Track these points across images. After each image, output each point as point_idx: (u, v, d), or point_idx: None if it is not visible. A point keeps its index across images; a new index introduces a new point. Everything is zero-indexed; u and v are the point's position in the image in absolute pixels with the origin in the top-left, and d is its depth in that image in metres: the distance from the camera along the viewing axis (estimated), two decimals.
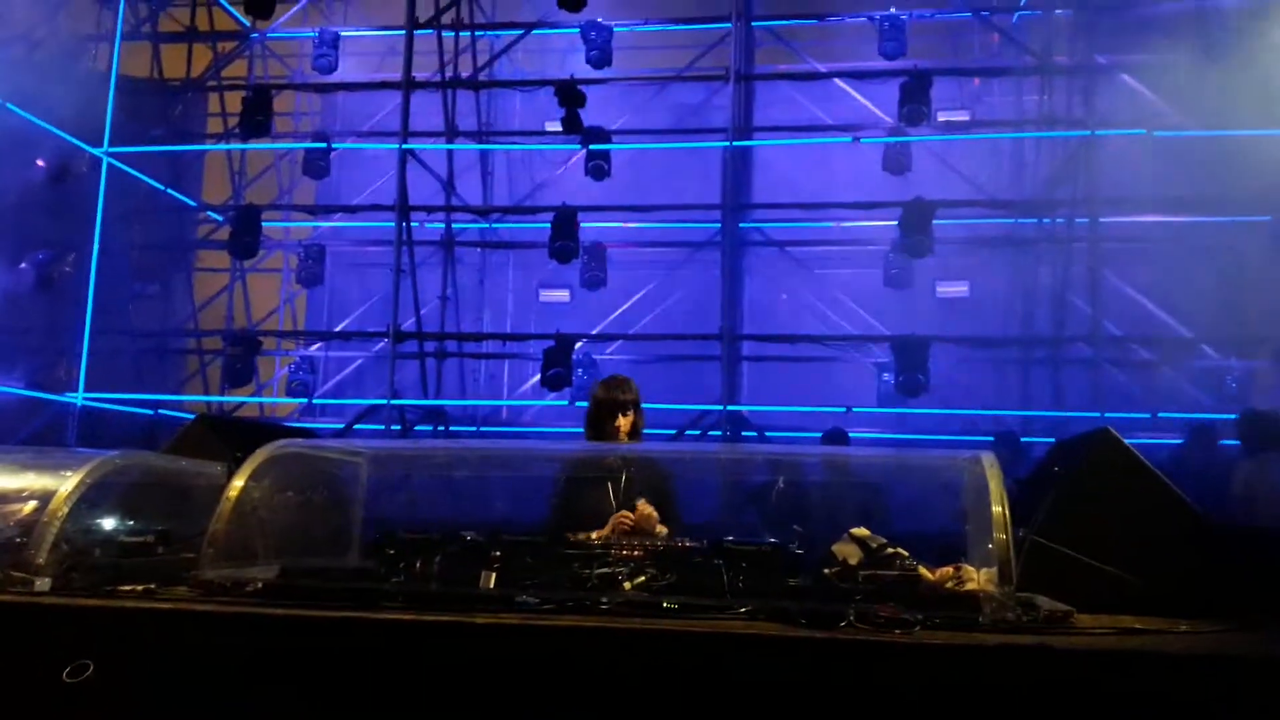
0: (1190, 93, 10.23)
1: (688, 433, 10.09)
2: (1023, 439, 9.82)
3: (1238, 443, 7.58)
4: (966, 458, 2.87)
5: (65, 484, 3.09)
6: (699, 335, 10.76)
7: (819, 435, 9.91)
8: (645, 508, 3.55)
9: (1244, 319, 9.90)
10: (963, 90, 12.43)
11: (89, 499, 3.16)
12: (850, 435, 9.87)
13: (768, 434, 10.34)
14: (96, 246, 10.73)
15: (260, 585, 2.83)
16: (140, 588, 2.92)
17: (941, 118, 11.55)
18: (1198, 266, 9.84)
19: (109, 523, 3.30)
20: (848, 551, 2.93)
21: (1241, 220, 9.95)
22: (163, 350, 12.41)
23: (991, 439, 9.29)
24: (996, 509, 2.66)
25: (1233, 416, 9.12)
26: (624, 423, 4.04)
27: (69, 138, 10.60)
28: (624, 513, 3.52)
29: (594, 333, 11.26)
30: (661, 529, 3.53)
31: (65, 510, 3.03)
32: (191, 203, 12.48)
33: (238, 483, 3.05)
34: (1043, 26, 11.49)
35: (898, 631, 2.37)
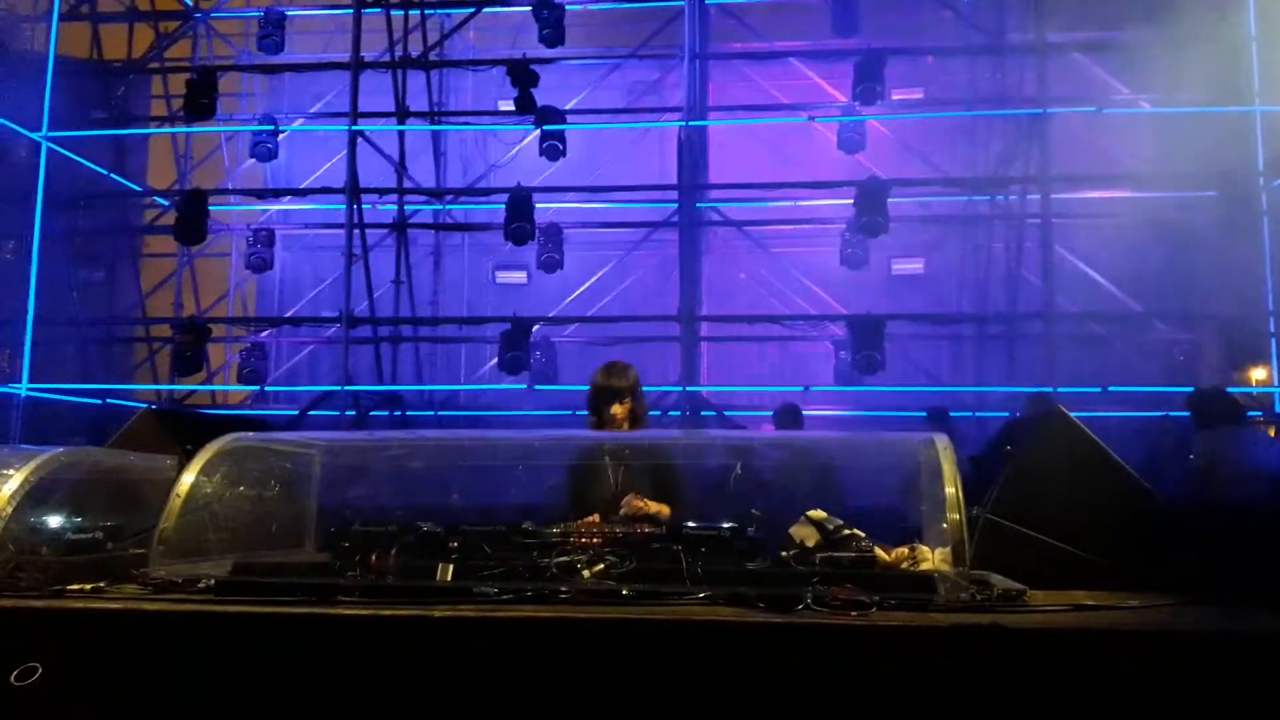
0: (1140, 70, 10.38)
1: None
2: (976, 414, 9.95)
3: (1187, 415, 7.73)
4: (920, 439, 2.90)
5: (8, 483, 3.01)
6: (657, 317, 10.76)
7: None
8: (637, 501, 3.55)
9: (1192, 293, 10.10)
10: (917, 69, 12.49)
11: (34, 497, 3.09)
12: (804, 411, 9.93)
13: (727, 414, 10.38)
14: (38, 233, 10.47)
15: (212, 582, 2.78)
16: (88, 587, 2.86)
17: (896, 96, 11.60)
18: (1148, 242, 10.00)
19: (55, 521, 3.22)
20: (805, 534, 2.94)
21: (1189, 195, 10.12)
22: (110, 339, 12.17)
23: (924, 414, 9.42)
24: (949, 490, 2.69)
25: (1185, 390, 9.34)
26: (620, 410, 4.01)
27: (6, 122, 10.31)
28: (634, 496, 3.52)
29: (551, 315, 11.21)
30: (665, 510, 3.53)
31: (9, 510, 2.95)
32: (136, 188, 12.21)
33: (188, 477, 2.99)
34: (995, 5, 11.57)
35: (854, 614, 2.38)
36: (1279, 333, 10.22)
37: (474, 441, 3.74)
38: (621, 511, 3.56)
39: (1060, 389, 9.38)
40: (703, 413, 10.37)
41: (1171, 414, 9.35)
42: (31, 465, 3.09)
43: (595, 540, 2.86)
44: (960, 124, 11.84)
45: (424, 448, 3.57)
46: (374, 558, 2.77)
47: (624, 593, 2.60)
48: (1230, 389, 9.68)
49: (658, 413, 10.18)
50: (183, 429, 3.98)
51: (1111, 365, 10.21)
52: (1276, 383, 10.17)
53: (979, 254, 11.45)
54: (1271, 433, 10.12)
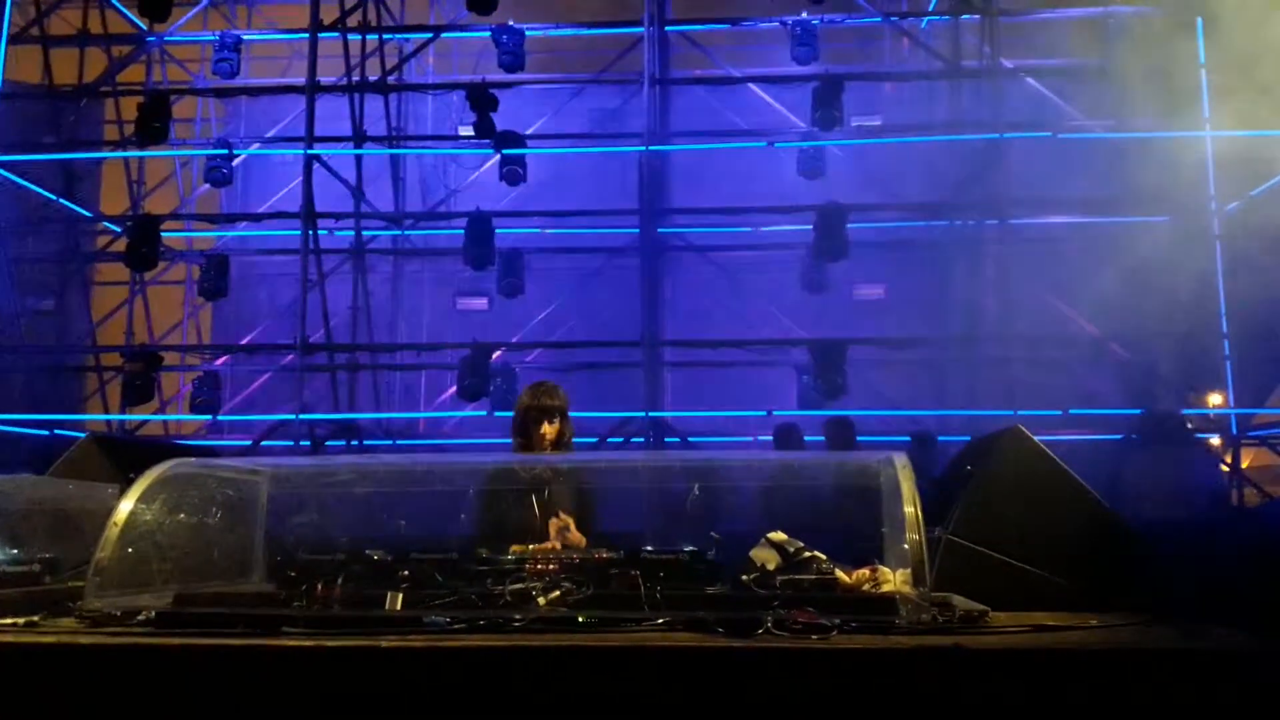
0: (1093, 96, 10.56)
1: (610, 440, 10.02)
2: (939, 438, 9.99)
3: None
4: (879, 459, 2.87)
5: None
6: (620, 342, 10.72)
7: (746, 440, 9.98)
8: (562, 519, 3.48)
9: (1148, 317, 10.23)
10: (875, 95, 12.63)
11: None
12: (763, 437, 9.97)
13: (691, 439, 10.34)
14: None
15: (152, 614, 2.68)
16: (23, 620, 2.74)
17: (854, 123, 11.72)
18: (1102, 266, 10.14)
19: None
20: (765, 557, 2.90)
21: (1143, 220, 10.29)
22: (59, 368, 11.90)
23: (908, 439, 9.42)
24: (908, 510, 2.66)
25: (1137, 412, 9.46)
26: (550, 430, 3.95)
27: None
28: (561, 518, 3.46)
29: (513, 341, 11.13)
30: (579, 539, 3.46)
31: None
32: (86, 213, 12.00)
33: (126, 505, 2.88)
34: (951, 32, 11.75)
35: (815, 637, 2.35)
36: (1233, 355, 10.38)
37: (424, 466, 3.66)
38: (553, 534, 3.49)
39: (1021, 412, 9.45)
40: (666, 439, 10.32)
41: (1130, 436, 9.47)
42: None
43: (551, 566, 2.79)
44: (918, 149, 11.97)
45: (372, 473, 3.48)
46: (320, 587, 2.69)
47: (580, 620, 2.54)
48: (1186, 410, 9.84)
49: (619, 439, 10.12)
50: (126, 457, 3.86)
51: (1070, 388, 10.31)
52: (1231, 404, 10.32)
53: (939, 279, 11.55)
54: (1227, 458, 10.27)
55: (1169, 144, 10.03)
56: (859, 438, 10.00)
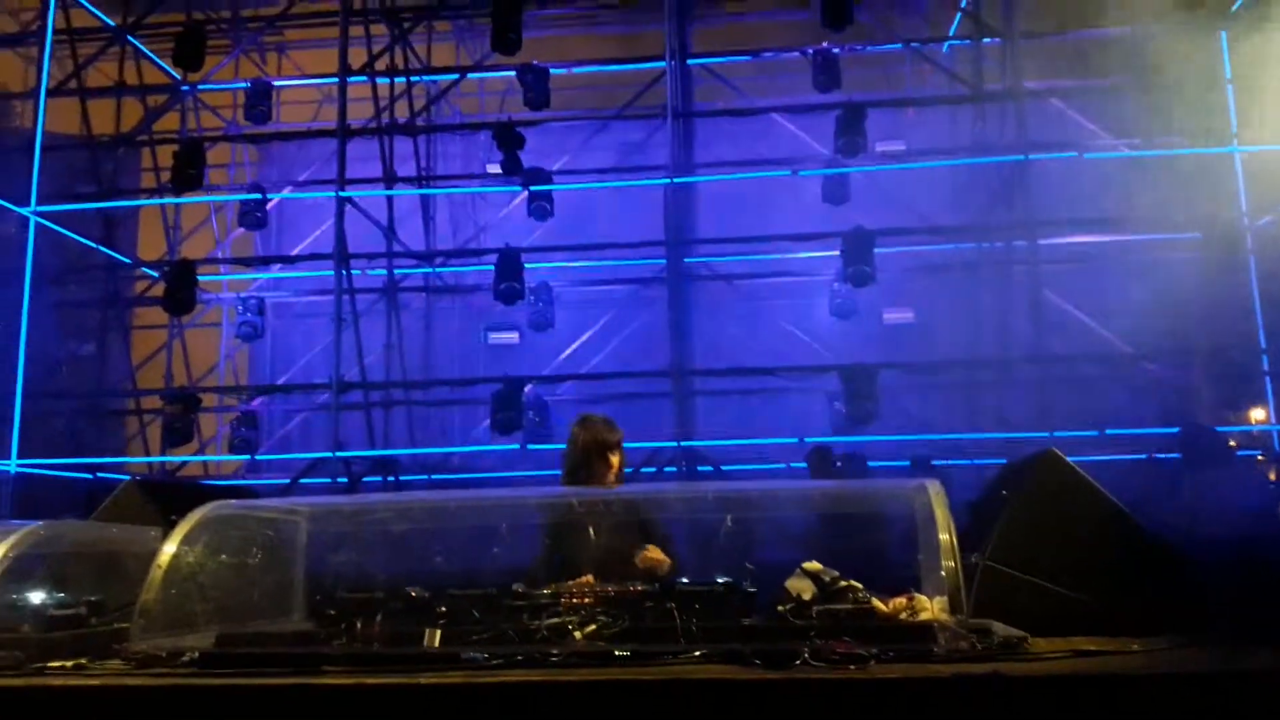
0: (1118, 115, 10.52)
1: (643, 470, 10.02)
2: (974, 461, 9.89)
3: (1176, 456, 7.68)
4: (913, 486, 2.86)
5: None
6: (649, 373, 10.73)
7: (779, 466, 9.95)
8: (655, 552, 3.47)
9: (1182, 334, 10.12)
10: (898, 120, 12.65)
11: (14, 572, 3.04)
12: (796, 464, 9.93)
13: (723, 468, 10.31)
14: (26, 308, 10.45)
15: (196, 654, 2.72)
16: (70, 664, 2.79)
17: (878, 148, 11.73)
18: (1135, 284, 10.05)
19: (37, 596, 3.17)
20: (801, 587, 2.90)
21: (1172, 238, 10.20)
22: (100, 412, 12.10)
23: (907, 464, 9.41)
24: (943, 536, 2.65)
25: (1174, 431, 9.33)
26: (615, 463, 3.94)
27: None
28: (651, 550, 3.45)
29: (544, 374, 11.19)
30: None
31: None
32: (125, 259, 12.23)
33: (169, 548, 2.94)
34: (972, 55, 11.76)
35: (852, 668, 2.34)
36: (1273, 370, 10.22)
37: (460, 502, 3.69)
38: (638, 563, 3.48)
39: (1056, 433, 9.34)
40: (699, 467, 10.30)
41: (1165, 455, 9.34)
42: (10, 540, 3.04)
43: (587, 600, 2.81)
44: (943, 173, 11.95)
45: (409, 510, 3.52)
46: (360, 625, 2.72)
47: (616, 653, 2.54)
48: (1224, 428, 9.69)
49: (652, 469, 10.12)
50: (168, 500, 3.93)
51: (1105, 408, 10.19)
52: (1274, 421, 10.14)
53: (969, 301, 11.48)
54: (1272, 475, 10.08)
55: (1197, 160, 9.95)
56: (891, 463, 9.98)
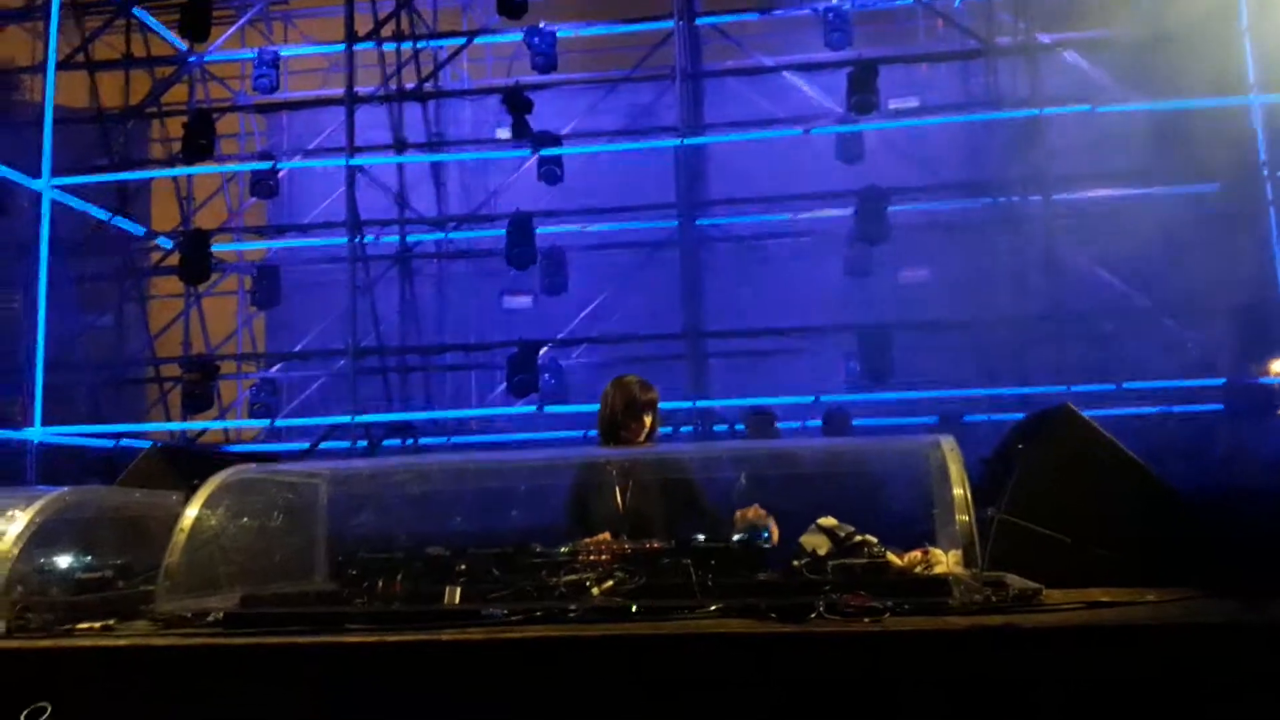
0: (1132, 67, 10.36)
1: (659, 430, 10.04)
2: (991, 417, 9.88)
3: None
4: (927, 442, 2.87)
5: (14, 525, 3.00)
6: (663, 335, 10.74)
7: (794, 425, 9.97)
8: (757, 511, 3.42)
9: (1201, 287, 10.03)
10: (911, 77, 12.50)
11: (41, 538, 3.08)
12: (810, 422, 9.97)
13: (738, 428, 10.34)
14: (44, 280, 10.53)
15: (221, 615, 2.77)
16: (98, 625, 2.85)
17: (892, 105, 11.60)
18: (1150, 238, 9.95)
19: (64, 560, 3.22)
20: (816, 542, 2.92)
21: (1188, 191, 10.08)
22: (120, 381, 12.21)
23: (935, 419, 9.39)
24: (958, 491, 2.65)
25: (1196, 384, 9.28)
26: (649, 423, 3.91)
27: (8, 172, 10.40)
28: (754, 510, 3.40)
29: (558, 337, 11.21)
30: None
31: (15, 551, 2.94)
32: (139, 230, 12.28)
33: (191, 511, 2.98)
34: (984, 9, 11.58)
35: (867, 620, 2.36)
36: None
37: (480, 464, 3.72)
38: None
39: (1073, 388, 9.32)
40: (714, 427, 10.34)
41: (1188, 409, 9.29)
42: (37, 506, 3.08)
43: (604, 558, 2.84)
44: (958, 129, 11.82)
45: (429, 472, 3.55)
46: (381, 584, 2.76)
47: (633, 609, 2.57)
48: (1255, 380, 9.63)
49: (669, 429, 10.15)
50: (190, 466, 3.98)
51: (1123, 362, 10.14)
52: None
53: (984, 258, 11.40)
54: None
55: (1215, 111, 9.80)
56: (908, 419, 9.99)
